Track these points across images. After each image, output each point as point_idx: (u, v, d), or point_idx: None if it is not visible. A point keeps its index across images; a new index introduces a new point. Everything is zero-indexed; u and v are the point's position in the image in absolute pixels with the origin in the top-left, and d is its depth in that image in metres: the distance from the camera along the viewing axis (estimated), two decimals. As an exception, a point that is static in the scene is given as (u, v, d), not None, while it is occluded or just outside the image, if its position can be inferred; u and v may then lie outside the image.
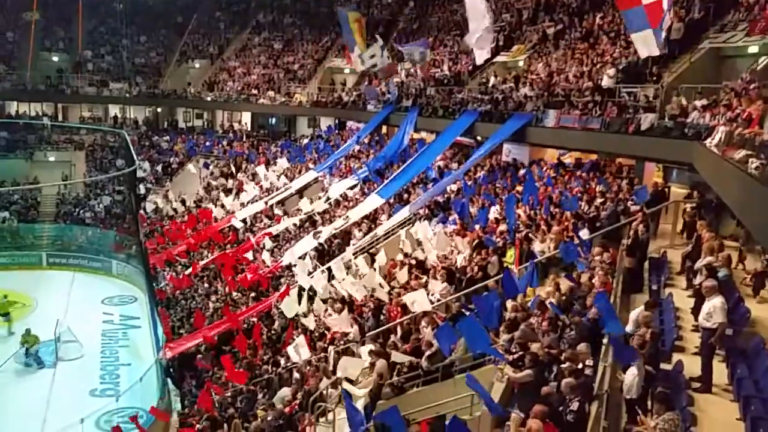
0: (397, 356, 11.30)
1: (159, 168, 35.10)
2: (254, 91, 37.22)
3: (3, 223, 28.87)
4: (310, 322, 15.15)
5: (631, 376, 7.09)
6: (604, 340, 8.24)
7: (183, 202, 30.96)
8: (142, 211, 29.60)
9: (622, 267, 10.95)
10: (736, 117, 10.77)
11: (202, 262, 22.53)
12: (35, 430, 14.21)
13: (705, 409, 6.63)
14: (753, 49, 14.93)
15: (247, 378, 13.95)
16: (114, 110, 40.48)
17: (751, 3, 15.89)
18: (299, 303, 16.02)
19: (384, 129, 29.00)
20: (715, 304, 7.30)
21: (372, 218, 20.22)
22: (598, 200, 14.35)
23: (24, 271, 25.39)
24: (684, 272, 10.43)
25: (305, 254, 19.20)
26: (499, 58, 25.26)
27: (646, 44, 14.50)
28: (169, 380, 16.51)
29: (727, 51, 16.02)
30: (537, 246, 13.19)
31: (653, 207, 13.27)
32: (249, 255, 21.42)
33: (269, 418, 11.78)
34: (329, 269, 17.48)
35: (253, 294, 19.03)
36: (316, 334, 14.92)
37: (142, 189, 31.97)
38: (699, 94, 14.03)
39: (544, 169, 18.67)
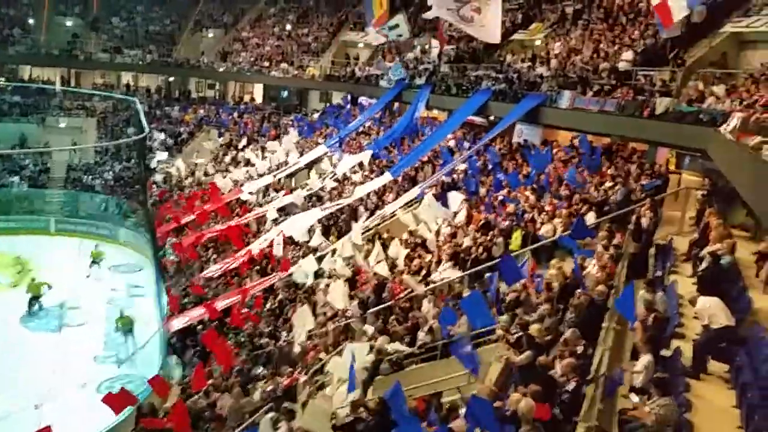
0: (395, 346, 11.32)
1: (165, 137, 34.90)
2: (266, 63, 36.92)
3: (13, 188, 29.02)
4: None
5: (643, 365, 6.99)
6: (604, 324, 8.16)
7: (192, 172, 30.98)
8: (151, 180, 29.67)
9: (627, 252, 10.82)
10: (754, 103, 10.52)
11: (208, 234, 22.52)
12: (38, 394, 14.33)
13: (701, 396, 6.55)
14: (776, 34, 14.59)
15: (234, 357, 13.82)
16: (127, 78, 40.47)
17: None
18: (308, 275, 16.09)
19: (396, 105, 28.70)
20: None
21: (379, 196, 20.09)
22: (608, 184, 14.14)
23: (32, 236, 25.50)
24: (690, 259, 10.27)
25: (311, 227, 19.15)
26: (516, 36, 24.86)
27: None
28: (171, 350, 16.61)
29: (749, 36, 15.64)
30: (543, 229, 13.07)
31: (658, 193, 13.09)
32: (255, 228, 21.44)
33: (269, 389, 11.85)
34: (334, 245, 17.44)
35: (257, 267, 19.03)
36: (320, 309, 14.92)
37: (156, 158, 32.02)
38: (717, 79, 13.74)
39: (555, 150, 18.41)
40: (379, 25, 26.28)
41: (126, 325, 17.68)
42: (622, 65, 17.12)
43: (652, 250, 10.92)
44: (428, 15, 22.15)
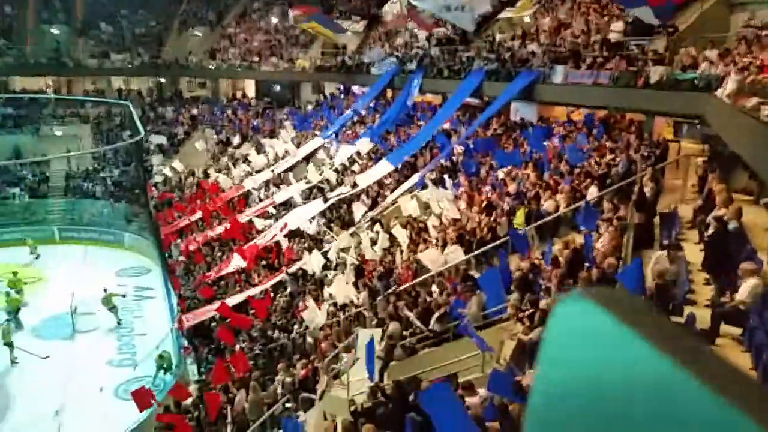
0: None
1: (160, 141, 34.66)
2: (256, 58, 36.78)
3: (14, 199, 29.04)
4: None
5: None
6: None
7: (192, 173, 30.96)
8: (151, 183, 29.69)
9: (632, 223, 10.87)
10: (748, 65, 10.53)
11: (211, 233, 22.60)
12: (55, 401, 14.50)
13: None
14: (766, -6, 14.53)
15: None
16: (117, 82, 40.35)
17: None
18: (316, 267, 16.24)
19: (389, 93, 28.64)
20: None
21: (380, 184, 20.12)
22: (608, 156, 14.18)
23: (37, 246, 25.59)
24: (695, 226, 10.32)
25: (313, 218, 19.25)
26: (504, 14, 24.76)
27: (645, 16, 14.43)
28: (185, 349, 16.74)
29: (738, -2, 15.62)
30: (546, 205, 13.12)
31: (659, 163, 13.13)
32: (258, 223, 21.51)
33: (286, 381, 11.98)
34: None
35: (264, 263, 19.14)
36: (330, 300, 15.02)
37: (154, 160, 32.04)
38: (711, 44, 13.72)
39: (553, 126, 18.42)
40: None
41: (167, 362, 16.20)
42: (613, 36, 17.09)
43: (657, 220, 10.98)
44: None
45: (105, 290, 19.06)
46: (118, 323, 18.79)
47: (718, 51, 13.10)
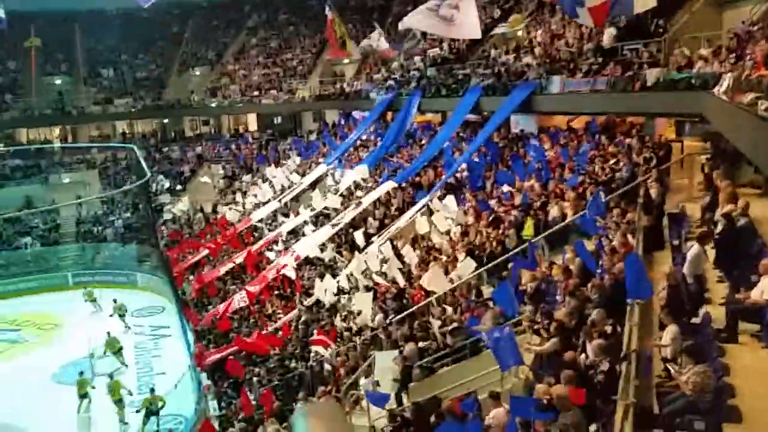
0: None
1: (167, 182, 35.00)
2: (256, 93, 37.25)
3: (26, 249, 29.32)
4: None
5: (671, 335, 6.98)
6: (628, 301, 8.16)
7: (201, 209, 31.22)
8: (160, 223, 29.93)
9: (641, 226, 10.83)
10: (740, 58, 10.56)
11: (223, 267, 22.69)
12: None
13: (737, 358, 6.54)
14: (754, -9, 14.60)
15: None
16: (122, 126, 40.92)
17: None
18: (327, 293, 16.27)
19: (390, 115, 28.86)
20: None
21: (386, 206, 20.17)
22: (611, 161, 14.19)
23: (51, 293, 25.77)
24: (704, 224, 10.28)
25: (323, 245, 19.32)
26: (497, 30, 24.99)
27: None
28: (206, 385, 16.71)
29: (728, -4, 15.71)
30: (552, 213, 13.11)
31: (663, 164, 13.12)
32: (270, 254, 21.60)
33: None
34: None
35: (277, 293, 19.16)
36: (343, 326, 14.99)
37: (160, 201, 32.34)
38: (707, 42, 13.77)
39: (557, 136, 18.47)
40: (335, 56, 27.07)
41: (153, 405, 15.43)
42: (606, 43, 17.18)
43: (665, 221, 10.95)
44: (403, 25, 22.46)
45: (108, 333, 18.72)
46: (124, 365, 18.58)
47: (712, 49, 13.16)
